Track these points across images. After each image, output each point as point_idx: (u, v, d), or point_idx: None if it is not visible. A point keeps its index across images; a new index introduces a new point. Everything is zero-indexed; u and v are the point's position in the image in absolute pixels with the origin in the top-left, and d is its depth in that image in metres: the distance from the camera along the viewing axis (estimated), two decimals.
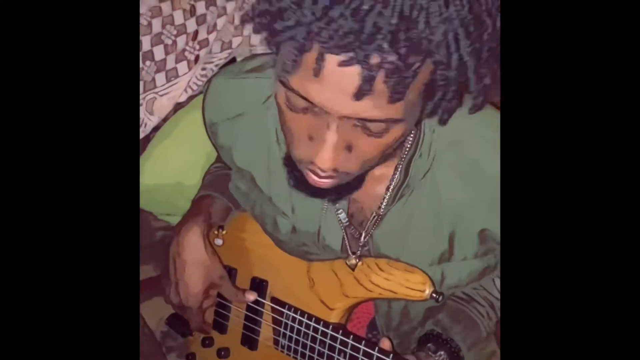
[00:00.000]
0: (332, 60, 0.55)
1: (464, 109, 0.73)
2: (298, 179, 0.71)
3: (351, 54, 0.53)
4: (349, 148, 0.63)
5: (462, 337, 0.85)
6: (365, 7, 0.52)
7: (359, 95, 0.56)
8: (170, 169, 1.17)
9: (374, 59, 0.54)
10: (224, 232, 1.01)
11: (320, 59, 0.55)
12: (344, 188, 0.71)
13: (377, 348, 0.78)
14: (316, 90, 0.58)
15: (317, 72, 0.56)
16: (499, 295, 0.90)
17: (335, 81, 0.56)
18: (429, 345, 0.83)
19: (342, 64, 0.54)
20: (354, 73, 0.55)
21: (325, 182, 0.66)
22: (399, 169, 0.77)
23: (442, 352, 0.82)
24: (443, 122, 0.63)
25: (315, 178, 0.66)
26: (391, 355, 0.77)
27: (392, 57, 0.53)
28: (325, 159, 0.62)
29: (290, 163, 0.71)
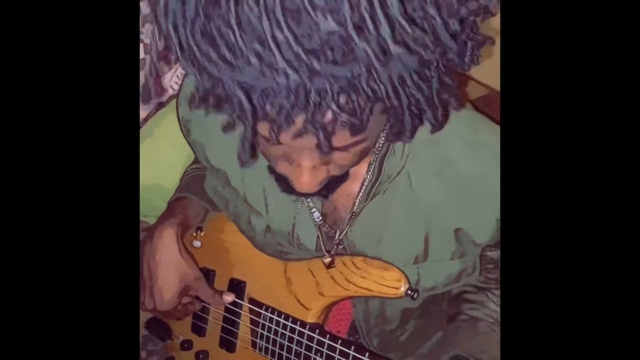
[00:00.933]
0: (285, 134, 0.55)
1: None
2: (286, 184, 0.71)
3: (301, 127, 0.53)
4: (326, 163, 0.64)
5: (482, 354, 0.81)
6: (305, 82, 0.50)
7: (320, 151, 0.56)
8: (150, 170, 1.16)
9: (326, 119, 0.53)
10: (202, 233, 0.99)
11: (273, 131, 0.55)
12: (333, 184, 0.70)
13: (352, 347, 0.77)
14: (280, 150, 0.61)
15: (275, 141, 0.57)
16: (498, 309, 0.86)
17: (295, 145, 0.58)
18: None
19: (296, 136, 0.55)
20: (310, 140, 0.55)
21: (312, 190, 0.66)
22: (373, 166, 0.76)
23: None
24: (408, 140, 0.62)
25: (302, 186, 0.66)
26: (367, 354, 0.75)
27: (344, 117, 0.53)
28: (304, 183, 0.63)
29: (274, 171, 0.71)
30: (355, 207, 0.79)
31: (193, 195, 0.97)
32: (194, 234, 1.00)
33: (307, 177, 0.63)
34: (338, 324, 0.92)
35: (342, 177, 0.70)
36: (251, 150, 0.59)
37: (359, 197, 0.78)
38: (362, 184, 0.78)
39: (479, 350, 0.80)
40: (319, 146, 0.55)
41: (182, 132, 0.90)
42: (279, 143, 0.57)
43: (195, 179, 1.00)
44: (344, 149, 0.60)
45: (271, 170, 0.74)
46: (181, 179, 1.03)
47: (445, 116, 0.59)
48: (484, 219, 0.76)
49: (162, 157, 1.16)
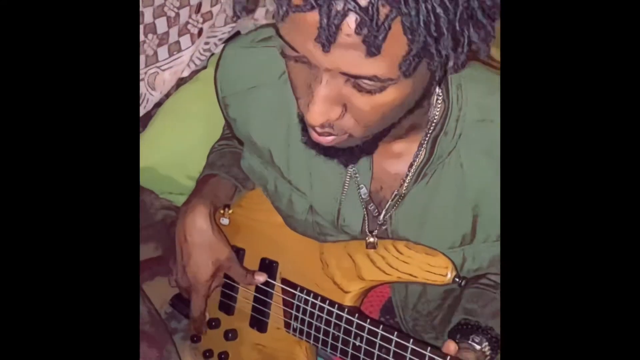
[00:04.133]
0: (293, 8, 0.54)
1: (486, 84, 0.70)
2: (308, 135, 0.69)
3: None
4: (344, 106, 0.61)
5: (492, 321, 0.82)
6: None
7: (323, 45, 0.54)
8: (172, 146, 1.13)
9: (337, 5, 0.52)
10: (230, 211, 0.97)
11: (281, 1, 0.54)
12: (355, 150, 0.69)
13: (395, 333, 0.76)
14: (299, 41, 0.57)
15: (282, 17, 0.55)
16: None
17: (305, 31, 0.55)
18: (472, 336, 0.79)
19: (297, 9, 0.54)
20: (314, 19, 0.54)
21: (325, 140, 0.65)
22: (424, 146, 0.75)
23: (485, 344, 0.79)
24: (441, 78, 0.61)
25: (314, 134, 0.65)
26: (411, 340, 0.74)
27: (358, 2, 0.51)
28: (314, 113, 0.60)
29: (302, 119, 0.69)
30: (404, 189, 0.77)
31: (222, 171, 0.94)
32: (222, 212, 0.98)
33: (319, 107, 0.59)
34: (370, 305, 0.92)
35: (366, 148, 0.69)
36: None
37: (408, 178, 0.77)
38: (412, 164, 0.76)
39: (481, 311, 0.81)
40: (319, 37, 0.53)
41: (220, 108, 0.87)
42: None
43: (224, 155, 0.97)
44: (365, 79, 0.57)
45: (299, 117, 0.71)
46: (208, 156, 1.00)
47: (467, 57, 0.58)
48: None
49: (184, 133, 1.13)
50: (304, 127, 0.69)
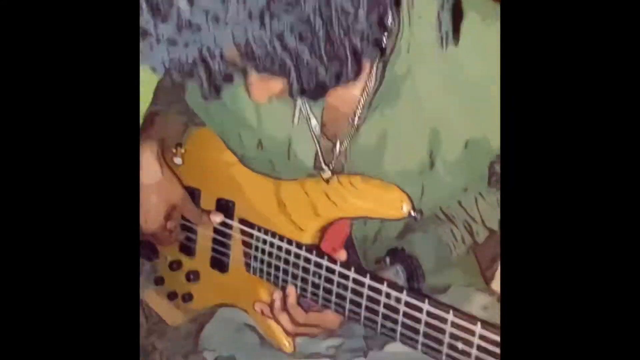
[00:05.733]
0: None
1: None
2: None
3: None
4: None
5: (428, 257, 0.82)
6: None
7: None
8: None
9: None
10: (183, 150, 0.93)
11: None
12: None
13: (353, 269, 0.75)
14: None
15: None
16: (479, 218, 0.86)
17: None
18: (387, 259, 0.81)
19: None
20: None
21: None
22: (374, 70, 0.71)
23: (400, 269, 0.80)
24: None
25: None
26: (368, 275, 0.73)
27: None
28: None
29: None
30: (357, 119, 0.74)
31: (170, 107, 0.90)
32: (174, 151, 0.94)
33: (256, 91, 0.61)
34: (333, 242, 0.90)
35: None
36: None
37: (360, 106, 0.73)
38: (364, 90, 0.72)
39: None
40: None
41: None
42: None
43: (171, 90, 0.92)
44: None
45: None
46: (155, 92, 0.95)
47: None
48: (495, 126, 0.71)
49: None
50: None
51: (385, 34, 0.62)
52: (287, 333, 0.82)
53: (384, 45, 0.67)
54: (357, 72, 0.60)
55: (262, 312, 0.82)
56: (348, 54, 0.57)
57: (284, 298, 0.78)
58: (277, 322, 0.80)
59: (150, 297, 1.03)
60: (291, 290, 0.78)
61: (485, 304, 0.87)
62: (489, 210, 0.87)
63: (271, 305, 0.79)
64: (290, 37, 0.52)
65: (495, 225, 0.88)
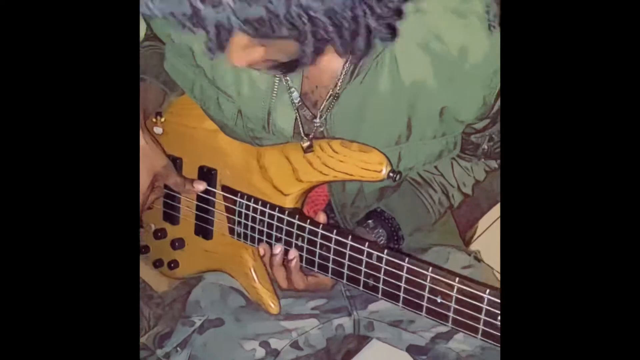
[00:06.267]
0: None
1: None
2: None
3: None
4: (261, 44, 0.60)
5: (407, 219, 0.85)
6: None
7: None
8: None
9: None
10: (162, 119, 0.94)
11: None
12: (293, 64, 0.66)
13: (335, 231, 0.77)
14: None
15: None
16: (454, 182, 0.89)
17: None
18: (368, 221, 0.83)
19: None
20: None
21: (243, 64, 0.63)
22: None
23: (380, 230, 0.83)
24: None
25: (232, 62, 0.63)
26: (350, 236, 0.75)
27: None
28: (233, 59, 0.62)
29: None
30: (338, 88, 0.75)
31: (149, 76, 0.89)
32: (154, 120, 0.94)
33: (236, 54, 0.60)
34: (315, 205, 0.92)
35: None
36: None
37: (342, 76, 0.74)
38: (345, 62, 0.73)
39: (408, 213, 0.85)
40: None
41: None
42: None
43: (149, 58, 0.91)
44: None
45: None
46: None
47: None
48: (470, 95, 0.73)
49: None
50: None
51: (400, 18, 0.62)
52: (280, 288, 0.84)
53: (396, 30, 0.68)
54: (368, 49, 0.61)
55: (262, 257, 0.83)
56: (363, 31, 0.58)
57: (287, 258, 0.79)
58: (273, 274, 0.82)
59: None
60: (294, 253, 0.79)
61: (464, 264, 0.90)
62: (464, 175, 0.90)
63: (272, 257, 0.80)
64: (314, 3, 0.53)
65: (469, 190, 0.91)
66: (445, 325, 0.68)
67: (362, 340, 1.08)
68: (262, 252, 0.82)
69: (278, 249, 0.80)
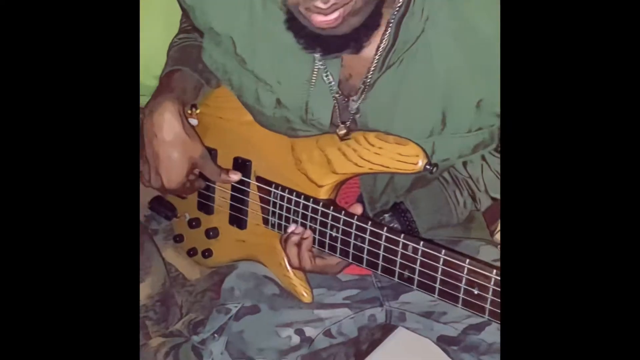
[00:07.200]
0: None
1: None
2: (305, 37, 0.70)
3: None
4: None
5: (427, 215, 0.85)
6: None
7: None
8: None
9: None
10: (197, 111, 0.95)
11: None
12: (341, 41, 0.70)
13: (370, 222, 0.78)
14: None
15: None
16: (483, 186, 0.88)
17: None
18: (384, 215, 0.84)
19: None
20: None
21: (331, 19, 0.65)
22: (389, 30, 0.72)
23: (395, 224, 0.83)
24: None
25: (318, 18, 0.65)
26: (385, 228, 0.76)
27: None
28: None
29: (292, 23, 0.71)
30: (369, 77, 0.75)
31: (185, 67, 0.90)
32: (189, 112, 0.95)
33: None
34: (346, 197, 0.93)
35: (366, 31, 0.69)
36: None
37: (373, 66, 0.74)
38: (377, 50, 0.73)
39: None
40: None
41: None
42: None
43: (185, 50, 0.93)
44: None
45: (289, 17, 0.70)
46: (168, 52, 0.96)
47: None
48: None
49: (142, 30, 1.06)
50: (297, 30, 0.68)
51: None
52: (290, 265, 0.85)
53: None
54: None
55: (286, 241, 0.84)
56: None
57: (302, 237, 0.81)
58: (286, 252, 0.83)
59: (169, 254, 1.06)
60: (309, 233, 0.81)
61: (495, 257, 0.90)
62: (493, 179, 0.89)
63: (288, 236, 0.82)
64: None
65: (497, 194, 0.90)
66: (482, 317, 0.69)
67: (388, 330, 1.09)
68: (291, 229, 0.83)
69: (296, 229, 0.82)
